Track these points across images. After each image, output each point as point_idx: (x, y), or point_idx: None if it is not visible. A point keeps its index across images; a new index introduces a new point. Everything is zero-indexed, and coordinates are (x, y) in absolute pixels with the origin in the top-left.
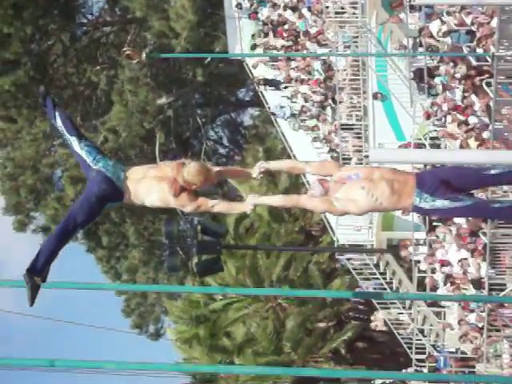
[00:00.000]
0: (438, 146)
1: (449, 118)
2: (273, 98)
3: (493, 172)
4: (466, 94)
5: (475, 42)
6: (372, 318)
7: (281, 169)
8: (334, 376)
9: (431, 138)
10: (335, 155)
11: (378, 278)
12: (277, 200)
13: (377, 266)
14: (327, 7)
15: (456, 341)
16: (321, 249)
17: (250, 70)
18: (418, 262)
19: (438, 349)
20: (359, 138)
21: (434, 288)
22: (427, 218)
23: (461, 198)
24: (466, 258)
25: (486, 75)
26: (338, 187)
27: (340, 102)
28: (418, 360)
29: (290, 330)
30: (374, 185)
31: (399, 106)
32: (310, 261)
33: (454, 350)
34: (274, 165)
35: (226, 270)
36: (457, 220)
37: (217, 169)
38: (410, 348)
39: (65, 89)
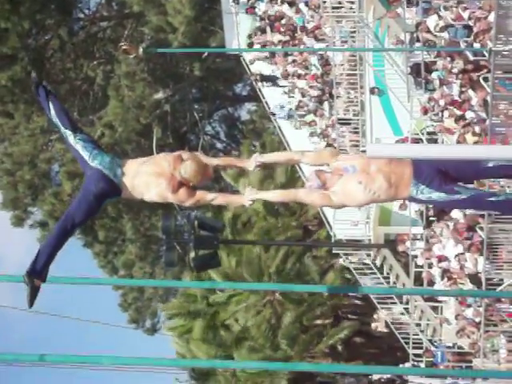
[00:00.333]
0: (435, 141)
1: (446, 113)
2: (271, 95)
3: (490, 164)
4: (463, 89)
5: (472, 37)
6: (375, 316)
7: (277, 161)
8: (330, 371)
9: (428, 133)
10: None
11: (375, 273)
12: (275, 195)
13: (374, 260)
14: (324, 2)
15: (453, 336)
16: (318, 244)
17: (247, 66)
18: (415, 256)
19: (435, 344)
20: (356, 132)
21: (431, 283)
22: (424, 213)
23: (457, 190)
24: (463, 253)
25: (484, 70)
26: (335, 179)
27: (337, 97)
28: (415, 355)
29: (285, 327)
30: (371, 179)
31: (396, 100)
32: (308, 256)
33: (451, 344)
34: (269, 157)
35: (227, 263)
36: (454, 215)
37: (213, 161)
38: (407, 343)
39: (62, 84)
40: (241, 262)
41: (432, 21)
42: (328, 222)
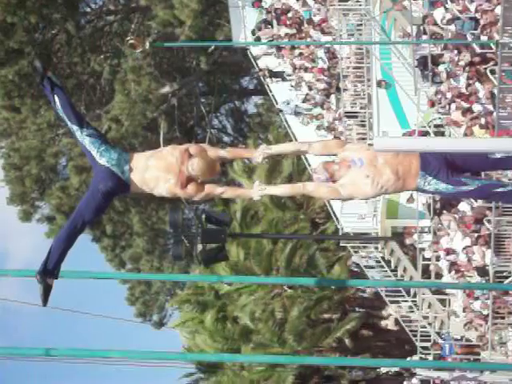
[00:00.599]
0: (443, 134)
1: (453, 106)
2: (279, 91)
3: (498, 156)
4: (470, 82)
5: (479, 30)
6: (383, 313)
7: (284, 152)
8: (338, 364)
9: (435, 126)
10: None
11: (382, 266)
12: (283, 189)
13: (381, 253)
14: None
15: (461, 328)
16: (325, 237)
17: (254, 60)
18: (423, 249)
19: (443, 336)
20: (363, 125)
21: (439, 275)
22: (432, 205)
23: (464, 181)
24: (470, 246)
25: (490, 63)
26: (342, 171)
27: (344, 90)
28: (422, 348)
29: (292, 321)
30: (379, 172)
31: (403, 93)
32: (316, 248)
33: (458, 337)
34: (276, 149)
35: (235, 255)
36: (461, 207)
37: (221, 153)
38: (414, 336)
39: (69, 78)
40: (249, 255)
41: (439, 13)
42: (335, 215)
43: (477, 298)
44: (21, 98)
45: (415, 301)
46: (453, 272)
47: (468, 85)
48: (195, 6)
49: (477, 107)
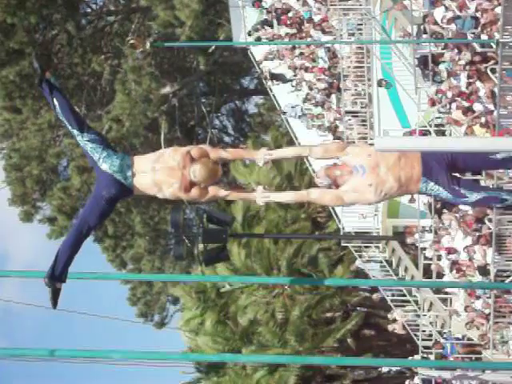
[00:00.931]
0: (443, 133)
1: (453, 105)
2: (281, 94)
3: (499, 156)
4: (471, 81)
5: (480, 29)
6: (389, 316)
7: (285, 157)
8: (340, 364)
9: (436, 125)
10: None
11: (384, 267)
12: (286, 196)
13: (383, 253)
14: None
15: (462, 327)
16: (327, 236)
17: (254, 60)
18: (424, 248)
19: (445, 336)
20: (364, 125)
21: (440, 275)
22: (433, 204)
23: (463, 193)
24: (471, 245)
25: (491, 61)
26: (344, 177)
27: (345, 90)
28: (424, 347)
29: (294, 322)
30: (382, 180)
31: (404, 93)
32: (318, 248)
33: (460, 336)
34: (278, 154)
35: (236, 255)
36: (462, 207)
37: (222, 154)
38: (416, 335)
39: (69, 78)
40: (250, 255)
41: (439, 13)
42: (336, 215)
43: (478, 297)
44: (22, 98)
45: (416, 300)
46: (454, 271)
47: (468, 84)
48: (196, 6)
49: (477, 106)
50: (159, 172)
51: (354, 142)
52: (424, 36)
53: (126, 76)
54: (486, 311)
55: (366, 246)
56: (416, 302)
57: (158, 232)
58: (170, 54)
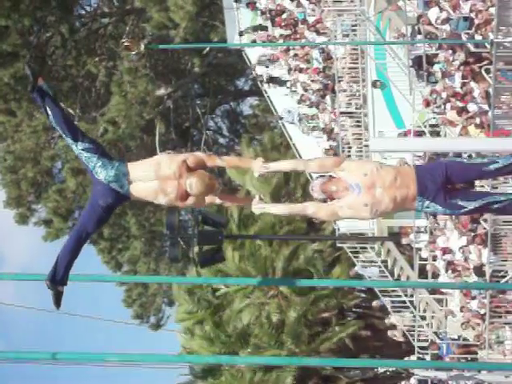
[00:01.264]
0: (438, 134)
1: (448, 105)
2: (276, 96)
3: (492, 167)
4: (466, 81)
5: (474, 29)
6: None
7: (280, 171)
8: (336, 365)
9: (431, 126)
10: (335, 144)
11: (379, 266)
12: (282, 209)
13: (378, 254)
14: None
15: (458, 328)
16: (322, 237)
17: (249, 62)
18: (420, 249)
19: (441, 336)
20: (359, 126)
21: (436, 275)
22: None
23: (460, 205)
24: (467, 245)
25: (485, 62)
26: (340, 193)
27: (339, 91)
28: (420, 348)
29: (290, 324)
30: (377, 201)
31: (398, 93)
32: (312, 249)
33: (456, 337)
34: (273, 168)
35: (230, 259)
36: None
37: (218, 163)
38: (412, 336)
39: (64, 81)
40: (244, 257)
41: (433, 13)
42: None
43: (474, 298)
44: (16, 101)
45: (412, 301)
46: (449, 272)
47: (463, 84)
48: (190, 7)
49: (472, 107)
50: (155, 181)
51: (350, 156)
52: (418, 37)
53: (121, 78)
54: (482, 311)
55: (362, 247)
56: (411, 303)
57: (153, 234)
58: (165, 56)
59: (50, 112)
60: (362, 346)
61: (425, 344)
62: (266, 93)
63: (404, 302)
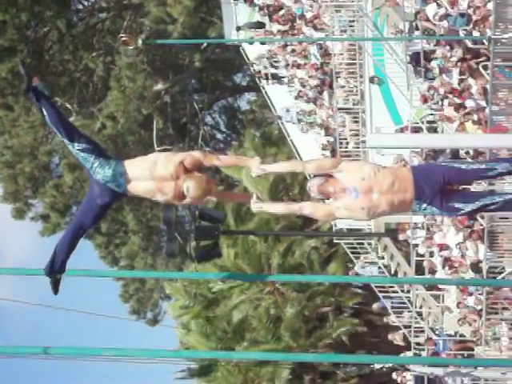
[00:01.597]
0: (435, 130)
1: (445, 102)
2: (275, 93)
3: (491, 174)
4: (463, 78)
5: (471, 25)
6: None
7: (278, 172)
8: (332, 361)
9: (428, 122)
10: (332, 140)
11: (379, 267)
12: (279, 208)
13: (375, 249)
14: None
15: (455, 324)
16: (319, 233)
17: (247, 57)
18: (416, 245)
19: (437, 332)
20: (356, 122)
21: (433, 271)
22: None
23: (457, 207)
24: (464, 242)
25: (483, 58)
26: (337, 195)
27: (337, 87)
28: (416, 344)
29: (288, 319)
30: (374, 205)
31: (396, 89)
32: (309, 245)
33: (452, 333)
34: (271, 169)
35: (226, 256)
36: None
37: (215, 162)
38: (408, 332)
39: (61, 75)
40: (239, 253)
41: (431, 9)
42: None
43: (470, 294)
44: (14, 96)
45: (409, 297)
46: (446, 268)
47: (460, 80)
48: (188, 2)
49: (469, 103)
50: (152, 181)
51: (347, 152)
52: (416, 33)
53: (120, 73)
54: (478, 307)
55: (359, 243)
56: (408, 299)
57: (150, 229)
58: (162, 51)
59: (45, 112)
60: (359, 341)
61: (421, 340)
62: (264, 89)
63: (404, 302)
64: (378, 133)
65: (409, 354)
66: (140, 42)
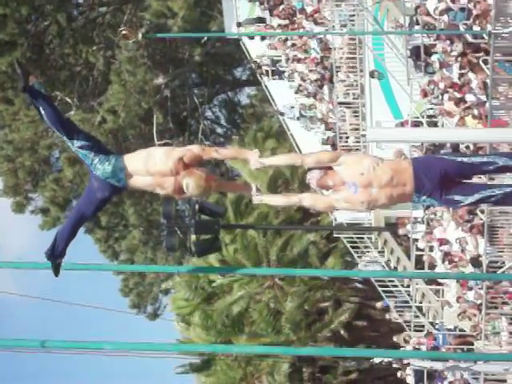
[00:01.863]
0: (435, 124)
1: (446, 96)
2: (276, 88)
3: (492, 167)
4: (463, 72)
5: (472, 20)
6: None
7: (276, 165)
8: (332, 355)
9: (428, 116)
10: (332, 134)
11: (379, 262)
12: (279, 200)
13: (375, 244)
14: None
15: (454, 318)
16: (319, 227)
17: (247, 52)
18: (416, 240)
19: (437, 326)
20: (356, 116)
21: (433, 266)
22: None
23: (457, 200)
24: (463, 236)
25: (483, 53)
26: (337, 187)
27: (337, 81)
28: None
29: (290, 312)
30: (374, 199)
31: (396, 84)
32: (308, 240)
33: (452, 327)
34: (269, 162)
35: (225, 250)
36: None
37: (214, 155)
38: (408, 326)
39: (61, 69)
40: (238, 248)
41: (431, 3)
42: (328, 212)
43: (470, 288)
44: (14, 89)
45: (409, 291)
46: (446, 262)
47: (461, 75)
48: None
49: (469, 97)
50: (152, 177)
51: (347, 146)
52: (416, 27)
53: (120, 67)
54: (478, 302)
55: (358, 237)
56: (408, 293)
57: (150, 223)
58: (163, 45)
59: (42, 111)
60: (359, 335)
61: (421, 334)
62: (266, 86)
63: (406, 301)
64: (378, 127)
65: (408, 348)
66: (140, 35)
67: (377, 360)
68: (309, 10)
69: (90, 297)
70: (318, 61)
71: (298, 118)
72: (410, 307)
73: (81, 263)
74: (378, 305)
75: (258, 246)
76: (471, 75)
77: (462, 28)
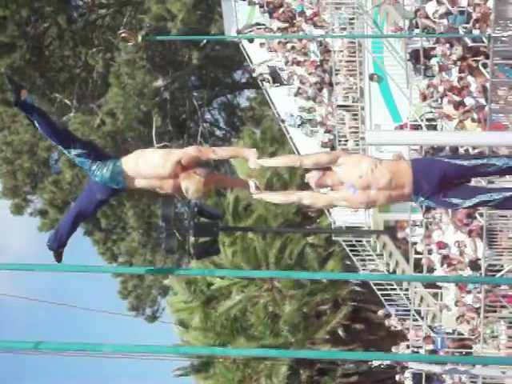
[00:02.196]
0: (435, 127)
1: (445, 99)
2: (278, 96)
3: (491, 169)
4: (463, 75)
5: (471, 23)
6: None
7: (275, 166)
8: (330, 357)
9: (427, 120)
10: (331, 137)
11: (374, 260)
12: (278, 198)
13: (374, 247)
14: None
15: (453, 322)
16: (318, 230)
17: (247, 55)
18: (415, 243)
19: (435, 330)
20: (356, 119)
21: (431, 269)
22: None
23: (455, 203)
24: (462, 240)
25: (482, 56)
26: (335, 187)
27: (336, 84)
28: (415, 341)
29: (288, 314)
30: (372, 200)
31: (395, 87)
32: (306, 243)
33: (451, 331)
34: (268, 163)
35: (223, 254)
36: None
37: (212, 156)
38: (407, 329)
39: (61, 71)
40: (237, 251)
41: (431, 7)
42: (327, 209)
43: (469, 292)
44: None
45: (407, 294)
46: (445, 265)
47: (460, 78)
48: None
49: (469, 101)
50: (150, 179)
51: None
52: (416, 30)
53: (119, 69)
54: (477, 305)
55: (357, 241)
56: (407, 297)
57: (149, 225)
58: (162, 47)
59: (37, 124)
60: (357, 338)
61: (419, 338)
62: (267, 91)
63: (408, 310)
64: (377, 130)
65: (407, 351)
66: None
67: (375, 363)
68: (308, 13)
69: (88, 299)
70: (317, 64)
71: (298, 126)
72: (410, 313)
73: (80, 265)
74: (380, 312)
75: (256, 249)
76: (470, 78)
77: (461, 31)
